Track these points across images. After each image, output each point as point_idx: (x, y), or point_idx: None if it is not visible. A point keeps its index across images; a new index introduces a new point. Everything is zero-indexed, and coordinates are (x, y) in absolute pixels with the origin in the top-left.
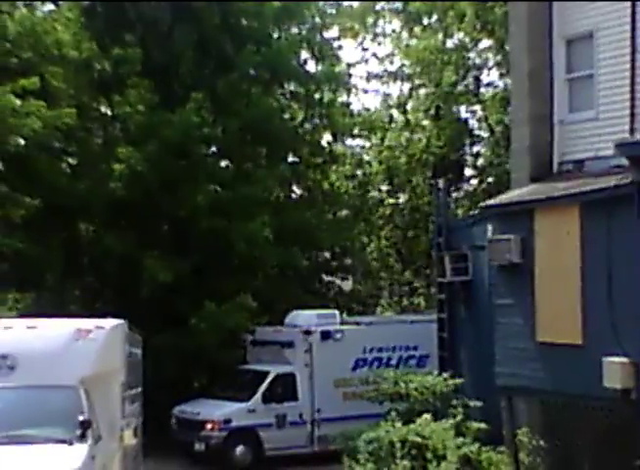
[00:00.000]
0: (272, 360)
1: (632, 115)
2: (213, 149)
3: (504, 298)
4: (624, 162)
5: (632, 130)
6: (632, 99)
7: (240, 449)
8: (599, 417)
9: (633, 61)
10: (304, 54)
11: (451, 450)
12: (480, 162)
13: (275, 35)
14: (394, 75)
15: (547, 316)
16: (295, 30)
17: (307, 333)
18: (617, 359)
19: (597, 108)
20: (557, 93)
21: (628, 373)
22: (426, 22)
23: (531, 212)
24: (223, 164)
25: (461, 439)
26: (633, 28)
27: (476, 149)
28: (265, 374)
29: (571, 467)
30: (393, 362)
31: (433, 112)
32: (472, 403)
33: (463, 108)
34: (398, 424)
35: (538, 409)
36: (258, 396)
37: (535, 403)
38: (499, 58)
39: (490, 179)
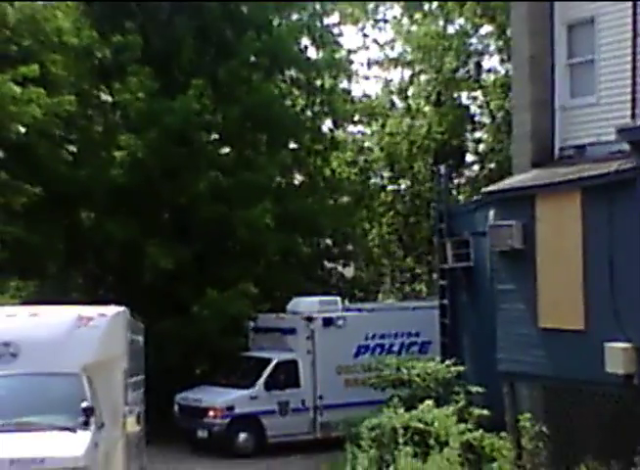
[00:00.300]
0: (274, 347)
1: (633, 99)
2: (214, 136)
3: (506, 283)
4: (626, 147)
5: (634, 115)
6: (633, 84)
7: (242, 436)
8: (601, 402)
9: (634, 46)
10: (305, 40)
11: (454, 437)
12: (482, 147)
13: (275, 22)
14: (395, 62)
15: (549, 302)
16: (295, 17)
17: (309, 320)
18: (619, 345)
19: (598, 93)
20: (558, 78)
21: (630, 358)
22: (426, 7)
23: (533, 198)
24: (224, 150)
25: (463, 425)
26: (634, 13)
27: (477, 135)
28: (267, 361)
29: (574, 452)
30: (395, 349)
31: (434, 98)
32: (474, 389)
33: (464, 94)
34: (401, 410)
35: (540, 395)
36: (261, 382)
37: (537, 389)
38: (500, 44)
39: (492, 165)
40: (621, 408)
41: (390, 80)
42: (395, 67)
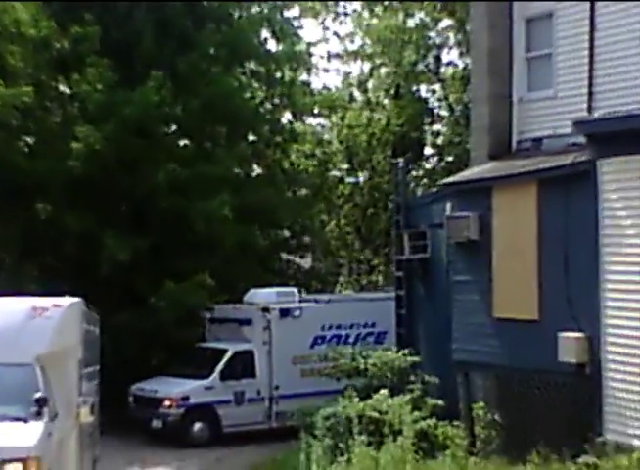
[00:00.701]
0: (231, 338)
1: (590, 93)
2: (173, 128)
3: (461, 274)
4: (582, 140)
5: (590, 108)
6: (590, 78)
7: (197, 426)
8: (553, 391)
9: (591, 40)
10: (265, 33)
11: (407, 425)
12: (440, 140)
13: (236, 14)
14: (355, 55)
15: (504, 292)
16: (255, 9)
17: (266, 310)
18: (572, 334)
19: (555, 86)
20: (516, 72)
21: (583, 348)
22: (386, 2)
23: (489, 190)
24: (183, 142)
25: (417, 413)
26: (592, 8)
27: (435, 128)
28: (224, 351)
29: (526, 440)
30: (352, 339)
31: (393, 91)
32: (429, 379)
33: (423, 87)
34: (356, 400)
35: (494, 384)
36: (216, 373)
37: (491, 378)
38: (459, 37)
39: (450, 158)
40: (573, 397)
41: (350, 73)
42: (355, 60)
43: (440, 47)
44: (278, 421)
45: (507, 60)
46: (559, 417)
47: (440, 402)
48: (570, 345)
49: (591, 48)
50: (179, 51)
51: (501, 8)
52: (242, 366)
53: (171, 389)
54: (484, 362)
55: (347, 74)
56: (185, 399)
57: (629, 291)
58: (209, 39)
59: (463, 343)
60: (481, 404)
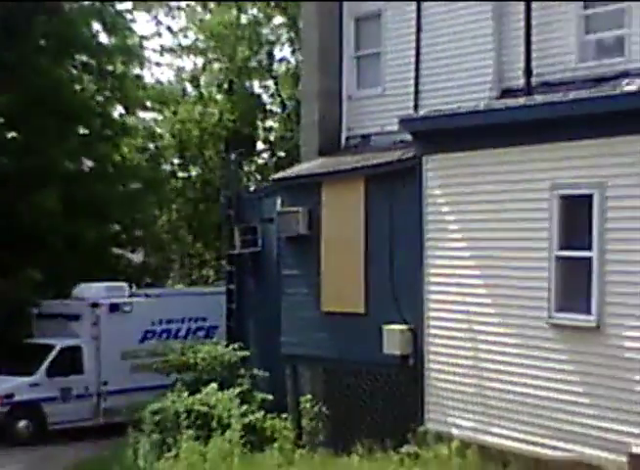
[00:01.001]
0: (59, 334)
1: (417, 92)
2: (0, 120)
3: (291, 269)
4: (408, 137)
5: (416, 106)
6: (417, 77)
7: (22, 424)
8: (380, 383)
9: (418, 40)
10: (97, 25)
11: (235, 419)
12: (272, 136)
13: (66, 6)
14: (188, 49)
15: (332, 286)
16: (86, 2)
17: (95, 305)
18: (396, 327)
19: (384, 84)
20: (346, 69)
21: (407, 339)
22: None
23: (319, 186)
24: (10, 135)
25: (246, 407)
26: (418, 8)
27: (268, 123)
28: (51, 347)
29: (351, 432)
30: (182, 334)
31: (226, 86)
32: (258, 373)
33: (256, 83)
34: (185, 394)
35: (322, 377)
36: (43, 369)
37: (318, 371)
38: (292, 34)
39: (281, 153)
40: (398, 388)
41: (183, 68)
42: (188, 54)
43: (273, 44)
44: (106, 417)
45: (337, 57)
46: (384, 408)
47: (269, 396)
48: (393, 337)
49: (417, 48)
50: (7, 41)
51: (331, 7)
52: (69, 362)
53: None
54: (312, 355)
55: (180, 69)
56: (9, 396)
57: (450, 284)
58: (39, 30)
59: (291, 336)
60: (309, 397)
